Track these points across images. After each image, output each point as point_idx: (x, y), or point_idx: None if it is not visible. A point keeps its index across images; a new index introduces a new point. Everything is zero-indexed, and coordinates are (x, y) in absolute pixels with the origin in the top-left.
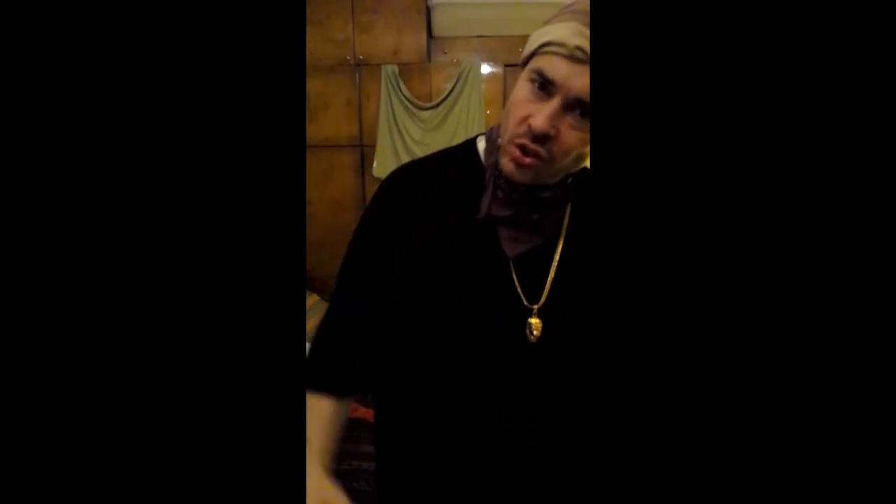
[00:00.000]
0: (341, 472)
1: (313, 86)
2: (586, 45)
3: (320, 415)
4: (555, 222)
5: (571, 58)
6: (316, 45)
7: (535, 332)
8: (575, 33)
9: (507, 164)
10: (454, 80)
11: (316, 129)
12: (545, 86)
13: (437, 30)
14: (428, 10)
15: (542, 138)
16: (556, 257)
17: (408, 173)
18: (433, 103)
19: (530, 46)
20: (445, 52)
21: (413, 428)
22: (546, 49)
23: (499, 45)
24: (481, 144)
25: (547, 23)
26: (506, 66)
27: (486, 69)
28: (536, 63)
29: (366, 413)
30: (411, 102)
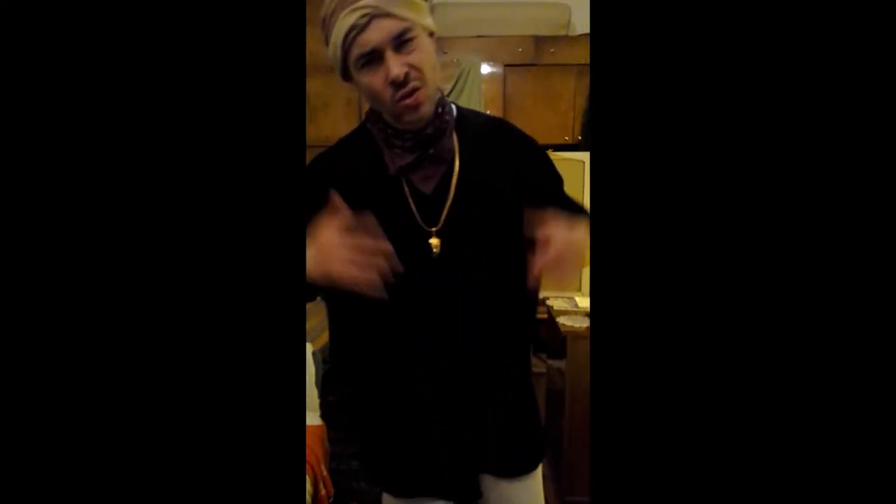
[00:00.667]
0: (341, 471)
1: (313, 86)
2: (364, 9)
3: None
4: (448, 149)
5: (365, 26)
6: (316, 45)
7: (434, 250)
8: (350, 13)
9: (407, 119)
10: (454, 80)
11: (316, 129)
12: (374, 56)
13: (437, 29)
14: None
15: (404, 80)
16: (453, 186)
17: (322, 159)
18: None
19: (339, 57)
20: (445, 52)
21: (357, 336)
22: (349, 40)
23: (499, 44)
24: (369, 124)
25: (328, 39)
26: (506, 65)
27: (486, 69)
28: (353, 54)
29: None
30: None
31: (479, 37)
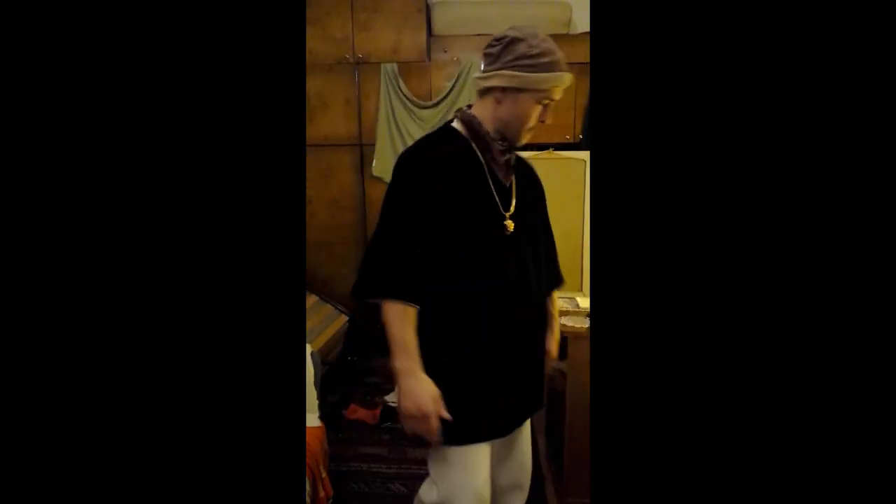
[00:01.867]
0: (340, 472)
1: (312, 85)
2: (567, 82)
3: (409, 320)
4: (514, 161)
5: (559, 88)
6: (315, 43)
7: (509, 228)
8: (563, 77)
9: (516, 138)
10: (454, 79)
11: (315, 129)
12: (547, 103)
13: (438, 28)
14: (428, 9)
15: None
16: (514, 184)
17: (418, 148)
18: (433, 102)
19: (530, 84)
20: (445, 51)
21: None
22: (549, 86)
23: None
24: (456, 125)
25: (535, 68)
26: None
27: None
28: (542, 95)
29: (365, 415)
30: (411, 101)
31: (479, 35)
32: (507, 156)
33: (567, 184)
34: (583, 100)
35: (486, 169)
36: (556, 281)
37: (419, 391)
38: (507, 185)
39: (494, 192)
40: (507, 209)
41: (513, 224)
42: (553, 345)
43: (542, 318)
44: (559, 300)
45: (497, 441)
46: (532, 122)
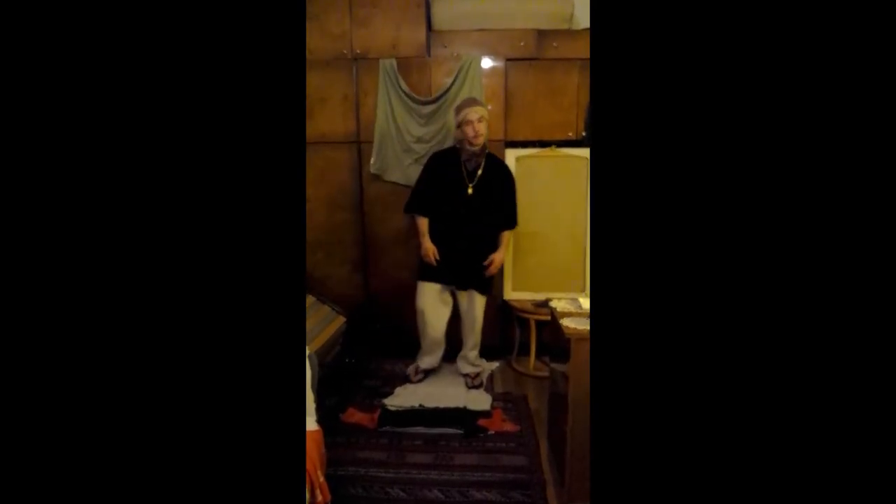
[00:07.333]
0: (338, 477)
1: (310, 81)
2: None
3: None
4: (481, 163)
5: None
6: (313, 39)
7: (469, 191)
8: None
9: (473, 146)
10: (454, 75)
11: (312, 126)
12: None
13: (437, 23)
14: (427, 4)
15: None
16: (480, 171)
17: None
18: (433, 98)
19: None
20: (445, 46)
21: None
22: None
23: (500, 38)
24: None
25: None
26: (507, 60)
27: (487, 63)
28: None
29: (363, 419)
30: (410, 97)
31: (480, 30)
32: (472, 158)
33: (569, 181)
34: (585, 97)
35: (464, 162)
36: (508, 223)
37: (427, 244)
38: (472, 169)
39: (465, 174)
40: (472, 181)
41: (472, 189)
42: (495, 257)
43: (489, 239)
44: (561, 301)
45: (447, 287)
46: (467, 136)
